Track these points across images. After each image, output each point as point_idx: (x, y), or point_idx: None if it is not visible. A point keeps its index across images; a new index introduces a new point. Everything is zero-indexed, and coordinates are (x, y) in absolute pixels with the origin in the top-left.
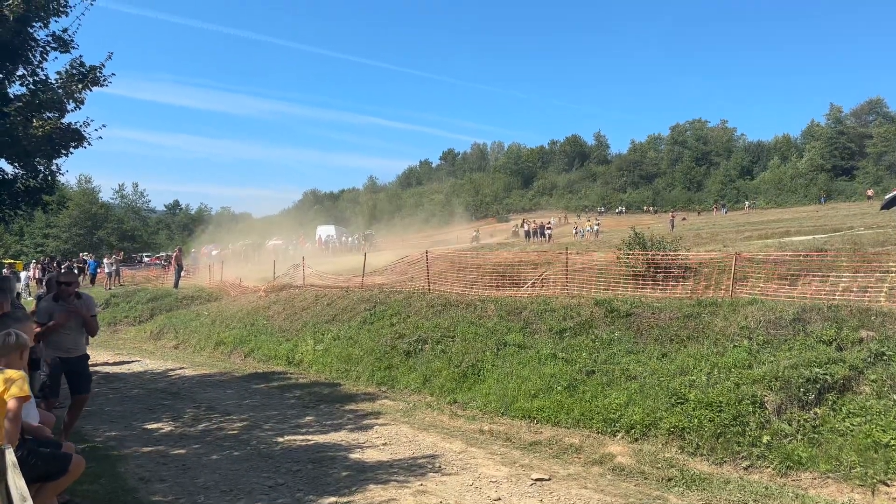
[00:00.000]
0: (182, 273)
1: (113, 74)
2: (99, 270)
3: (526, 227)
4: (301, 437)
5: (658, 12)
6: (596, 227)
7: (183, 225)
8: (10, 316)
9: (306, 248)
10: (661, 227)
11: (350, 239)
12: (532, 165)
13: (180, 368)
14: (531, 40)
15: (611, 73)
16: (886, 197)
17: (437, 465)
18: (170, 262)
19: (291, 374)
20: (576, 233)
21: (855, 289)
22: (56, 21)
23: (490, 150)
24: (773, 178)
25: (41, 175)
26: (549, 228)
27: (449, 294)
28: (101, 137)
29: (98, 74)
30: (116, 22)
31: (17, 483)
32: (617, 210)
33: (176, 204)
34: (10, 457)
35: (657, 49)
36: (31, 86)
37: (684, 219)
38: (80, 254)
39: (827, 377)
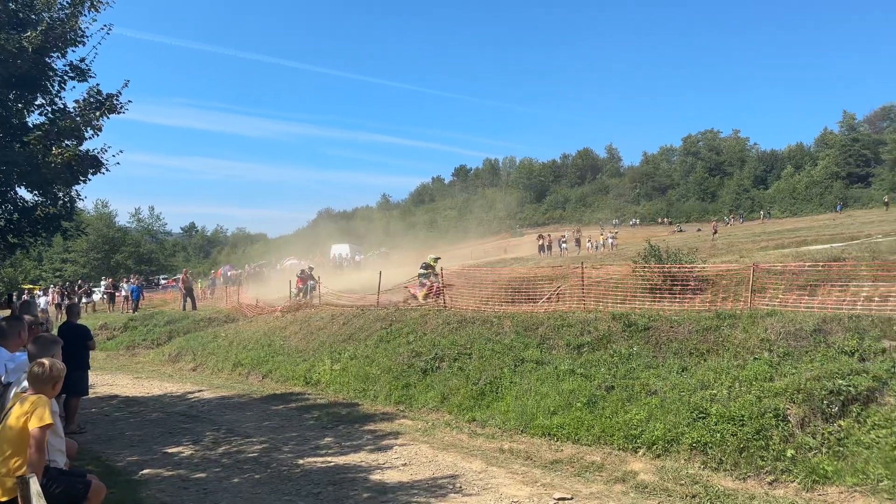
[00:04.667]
0: (193, 295)
1: (129, 101)
2: (118, 294)
3: (541, 242)
4: (321, 459)
5: (667, 24)
6: (611, 240)
7: (199, 247)
8: (43, 339)
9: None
10: (676, 239)
11: (362, 257)
12: (544, 180)
13: (199, 391)
14: (540, 55)
15: (622, 85)
16: None
17: (458, 485)
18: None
19: (309, 394)
20: (589, 245)
21: (876, 298)
22: (73, 51)
23: (502, 165)
24: (788, 186)
25: (60, 202)
26: (564, 242)
27: (465, 310)
28: (118, 163)
29: (115, 102)
30: (132, 48)
31: None
32: (631, 222)
33: (192, 226)
34: (35, 486)
35: (667, 60)
36: (49, 115)
37: (699, 230)
38: (102, 278)
39: (850, 389)
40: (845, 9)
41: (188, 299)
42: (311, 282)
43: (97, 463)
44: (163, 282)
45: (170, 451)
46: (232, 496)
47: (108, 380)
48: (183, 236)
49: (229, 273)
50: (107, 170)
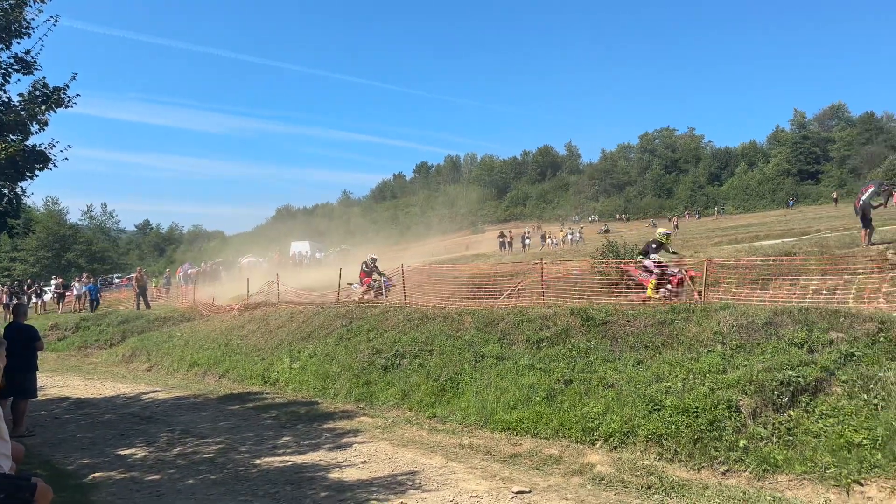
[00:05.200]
0: (146, 294)
1: (78, 95)
2: (68, 294)
3: (502, 239)
4: (279, 459)
5: (623, 25)
6: (578, 235)
7: (154, 245)
8: None
9: (280, 264)
10: (634, 234)
11: (322, 254)
12: (505, 176)
13: (153, 391)
14: (500, 54)
15: (581, 83)
16: (861, 199)
17: (418, 481)
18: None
19: (267, 394)
20: (550, 242)
21: (824, 291)
22: (18, 42)
23: (463, 162)
24: (741, 183)
25: (6, 199)
26: (528, 238)
27: (426, 307)
28: (66, 159)
29: (62, 95)
30: (82, 41)
31: None
32: (590, 219)
33: (146, 224)
34: None
35: (624, 60)
36: None
37: (654, 225)
38: (52, 277)
39: (800, 379)
40: (796, 12)
41: (142, 298)
42: (383, 277)
43: (46, 467)
44: (116, 281)
45: (122, 453)
46: (186, 498)
47: (58, 381)
48: (137, 234)
49: (189, 271)
50: (54, 165)
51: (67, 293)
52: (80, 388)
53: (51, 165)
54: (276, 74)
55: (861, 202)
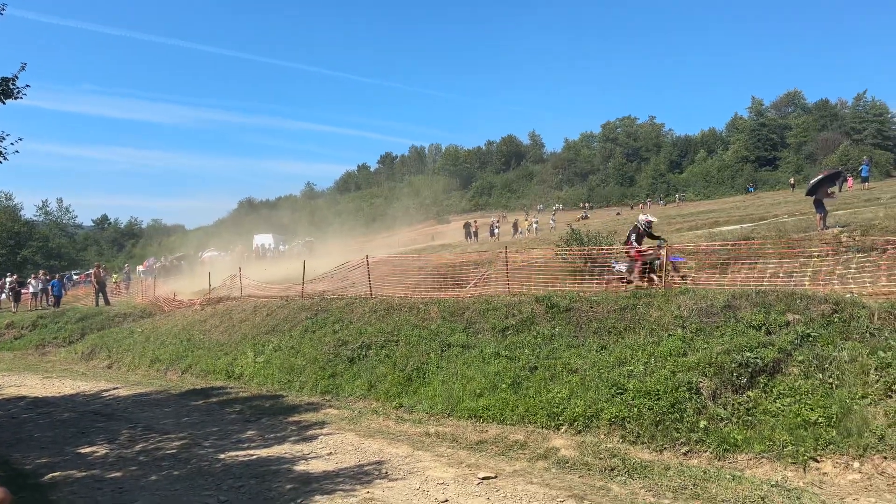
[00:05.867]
0: (105, 290)
1: (27, 86)
2: (24, 291)
3: (468, 228)
4: (243, 453)
5: (584, 16)
6: (552, 223)
7: (112, 240)
8: None
9: (244, 257)
10: (598, 223)
11: (286, 247)
12: (470, 166)
13: (114, 388)
14: (462, 45)
15: (543, 73)
16: (810, 182)
17: (384, 470)
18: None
19: (231, 388)
20: (520, 231)
21: (781, 274)
22: None
23: (428, 152)
24: (701, 170)
25: None
26: (497, 226)
27: (392, 298)
28: (17, 152)
29: (11, 86)
30: (32, 32)
31: None
32: (554, 208)
33: (104, 218)
34: None
35: (585, 50)
36: None
37: (618, 213)
38: (6, 275)
39: (758, 361)
40: (753, 1)
41: (101, 295)
42: (662, 250)
43: (3, 467)
44: (74, 277)
45: (83, 451)
46: (149, 494)
47: (15, 380)
48: (95, 229)
49: (156, 266)
50: (5, 158)
51: (23, 291)
52: (38, 386)
53: (1, 159)
54: (232, 65)
55: (810, 184)
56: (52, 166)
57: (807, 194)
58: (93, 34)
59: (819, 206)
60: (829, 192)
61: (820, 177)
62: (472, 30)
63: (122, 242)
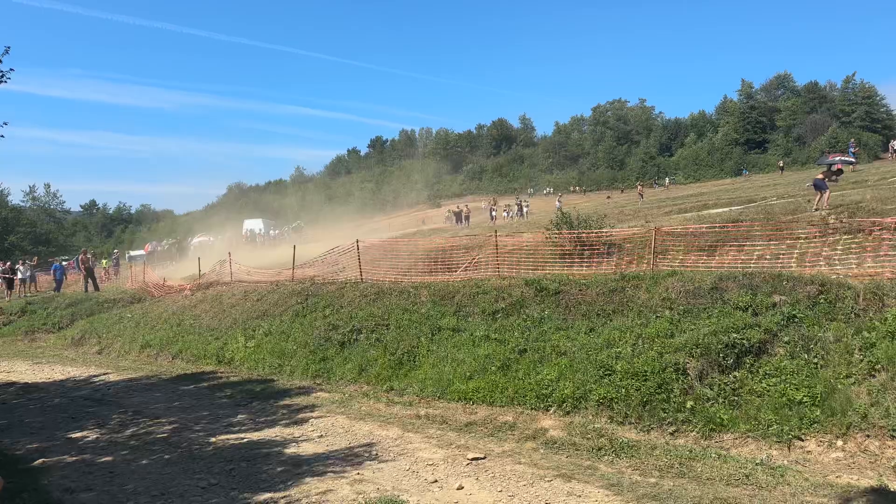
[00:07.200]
0: (94, 276)
1: (11, 70)
2: (15, 278)
3: (458, 211)
4: (234, 436)
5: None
6: (558, 204)
7: (101, 225)
8: None
9: (234, 243)
10: (589, 205)
11: (276, 232)
12: (461, 150)
13: (105, 374)
14: (452, 29)
15: (533, 57)
16: (827, 160)
17: (374, 452)
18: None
19: (222, 373)
20: (505, 215)
21: (768, 256)
22: None
23: (418, 136)
24: (691, 154)
25: None
26: (494, 210)
27: (382, 282)
28: (2, 136)
29: None
30: (20, 14)
31: None
32: (545, 191)
33: (93, 204)
34: None
35: (576, 33)
36: None
37: (609, 197)
38: None
39: (744, 342)
40: None
41: (89, 280)
42: None
43: None
44: (63, 263)
45: (74, 436)
46: (140, 477)
47: (4, 366)
48: (83, 215)
49: (158, 249)
50: None
51: (14, 277)
52: (28, 372)
53: None
54: (221, 49)
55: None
56: (39, 151)
57: (817, 164)
58: (79, 17)
59: (821, 184)
60: (833, 177)
61: (835, 166)
62: (461, 12)
63: (111, 228)
